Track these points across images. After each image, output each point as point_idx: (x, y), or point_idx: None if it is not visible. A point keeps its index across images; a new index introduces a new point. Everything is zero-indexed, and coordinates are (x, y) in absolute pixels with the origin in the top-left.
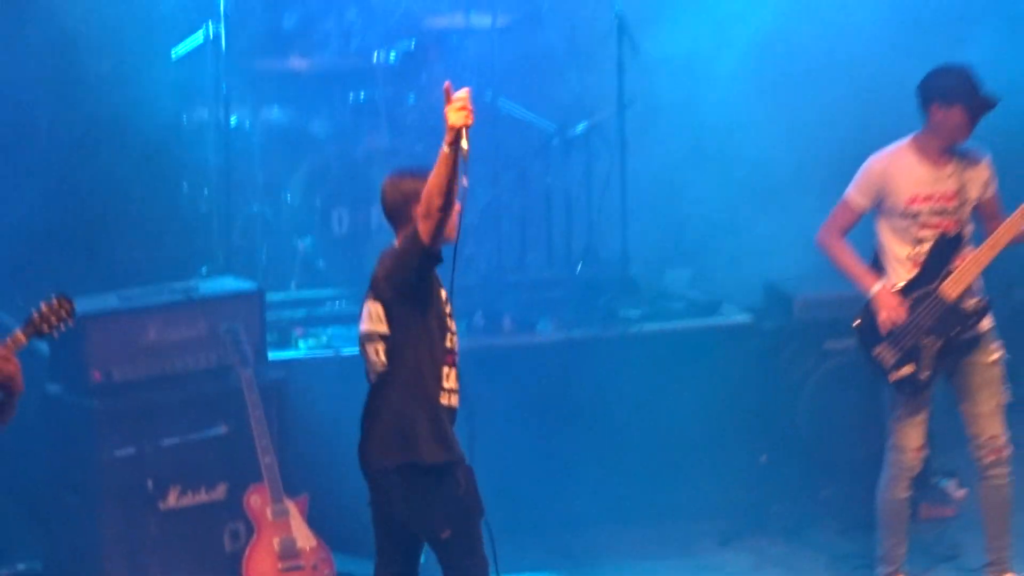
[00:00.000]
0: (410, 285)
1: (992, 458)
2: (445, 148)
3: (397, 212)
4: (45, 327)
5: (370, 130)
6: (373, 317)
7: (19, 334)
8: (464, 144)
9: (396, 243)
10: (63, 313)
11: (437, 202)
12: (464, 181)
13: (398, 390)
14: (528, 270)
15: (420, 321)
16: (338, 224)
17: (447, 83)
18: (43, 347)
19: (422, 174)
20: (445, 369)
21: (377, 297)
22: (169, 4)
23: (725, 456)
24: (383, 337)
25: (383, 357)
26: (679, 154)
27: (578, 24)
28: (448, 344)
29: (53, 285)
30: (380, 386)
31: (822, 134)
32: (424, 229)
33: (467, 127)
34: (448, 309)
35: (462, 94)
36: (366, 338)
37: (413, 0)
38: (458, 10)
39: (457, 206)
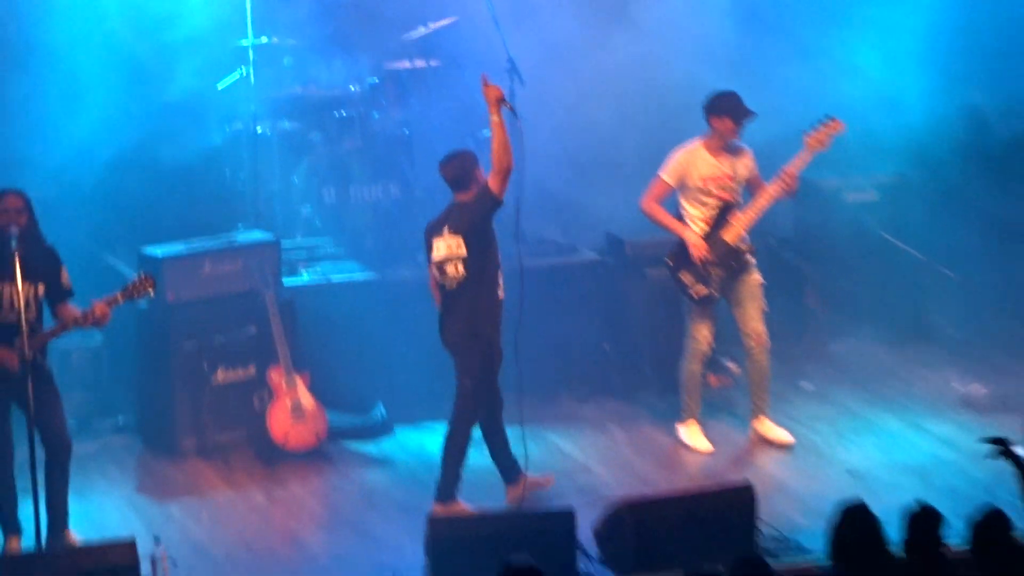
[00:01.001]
0: (487, 223)
1: (756, 345)
2: (495, 118)
3: (463, 180)
4: (135, 294)
5: (349, 136)
6: (452, 246)
7: (119, 295)
8: (507, 106)
9: (463, 198)
10: (148, 285)
11: (508, 161)
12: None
13: (474, 291)
14: None
15: (489, 246)
16: (328, 197)
17: (483, 74)
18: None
19: (468, 153)
20: (500, 276)
21: (456, 232)
22: (216, 52)
23: (581, 345)
24: (462, 259)
25: (462, 271)
26: (551, 141)
27: (485, 63)
28: (499, 260)
29: (144, 238)
30: (460, 291)
31: (647, 129)
32: (496, 185)
33: (500, 97)
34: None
35: (489, 82)
36: (446, 260)
37: (377, 50)
38: (405, 57)
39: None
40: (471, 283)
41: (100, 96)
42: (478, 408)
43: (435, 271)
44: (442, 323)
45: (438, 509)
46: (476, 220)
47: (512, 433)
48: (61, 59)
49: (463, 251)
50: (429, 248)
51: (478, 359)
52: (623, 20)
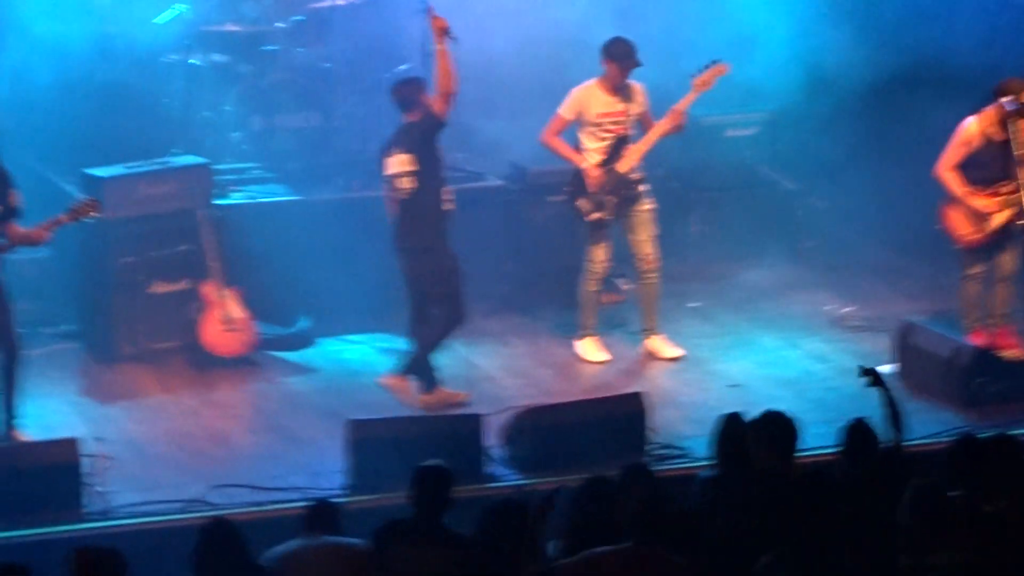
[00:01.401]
0: (432, 142)
1: (647, 267)
2: (440, 47)
3: (410, 102)
4: (80, 215)
5: (274, 69)
6: (405, 162)
7: (63, 217)
8: (452, 36)
9: (411, 118)
10: (92, 208)
11: (451, 87)
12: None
13: (422, 202)
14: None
15: (436, 163)
16: (255, 125)
17: (430, 6)
18: None
19: (415, 79)
20: (446, 189)
21: (408, 151)
22: None
23: (488, 264)
24: (412, 173)
25: (413, 184)
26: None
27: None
28: (444, 175)
29: (86, 160)
30: (411, 201)
31: (548, 65)
32: (440, 107)
33: (445, 28)
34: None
35: (435, 14)
36: (398, 175)
37: None
38: None
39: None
40: (420, 195)
41: (43, 24)
42: (440, 315)
43: (389, 186)
44: (396, 232)
45: (424, 399)
46: (423, 139)
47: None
48: None
49: (413, 167)
50: (382, 165)
51: (428, 267)
52: None
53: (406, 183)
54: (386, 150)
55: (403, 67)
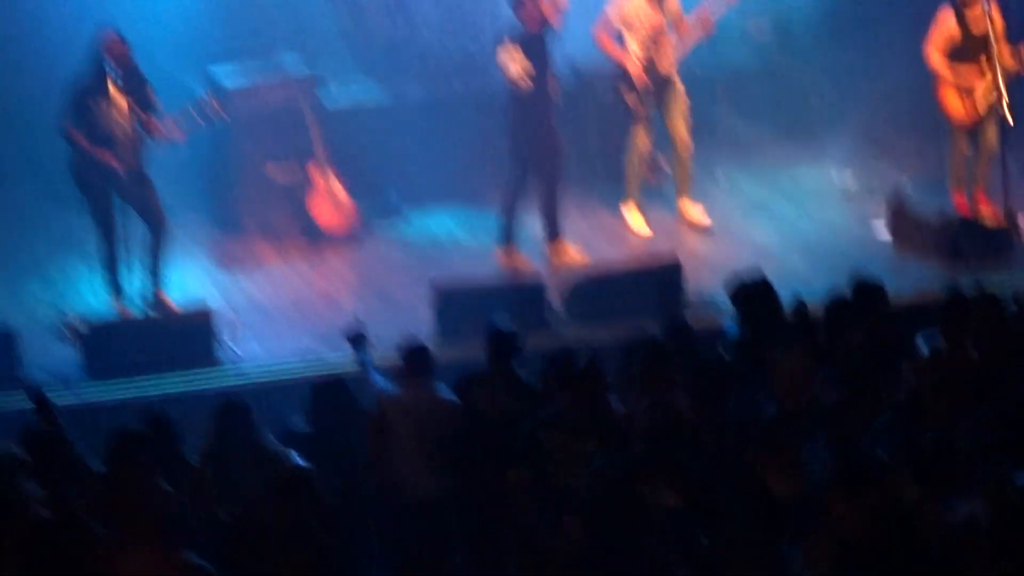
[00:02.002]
0: (543, 45)
1: (682, 147)
2: None
3: (516, 6)
4: (204, 110)
5: None
6: (520, 60)
7: (191, 111)
8: None
9: (527, 26)
10: (217, 108)
11: (563, 3)
12: None
13: (532, 93)
14: None
15: (545, 60)
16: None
17: None
18: None
19: None
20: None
21: (523, 51)
22: None
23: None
24: (525, 68)
25: (525, 78)
26: None
27: None
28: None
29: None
30: (523, 92)
31: None
32: (554, 19)
33: None
34: None
35: None
36: (508, 67)
37: None
38: None
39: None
40: (532, 87)
41: None
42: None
43: (505, 77)
44: (510, 114)
45: (500, 253)
46: (537, 42)
47: None
48: None
49: (526, 63)
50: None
51: (531, 151)
52: None
53: (516, 70)
54: (502, 45)
55: None
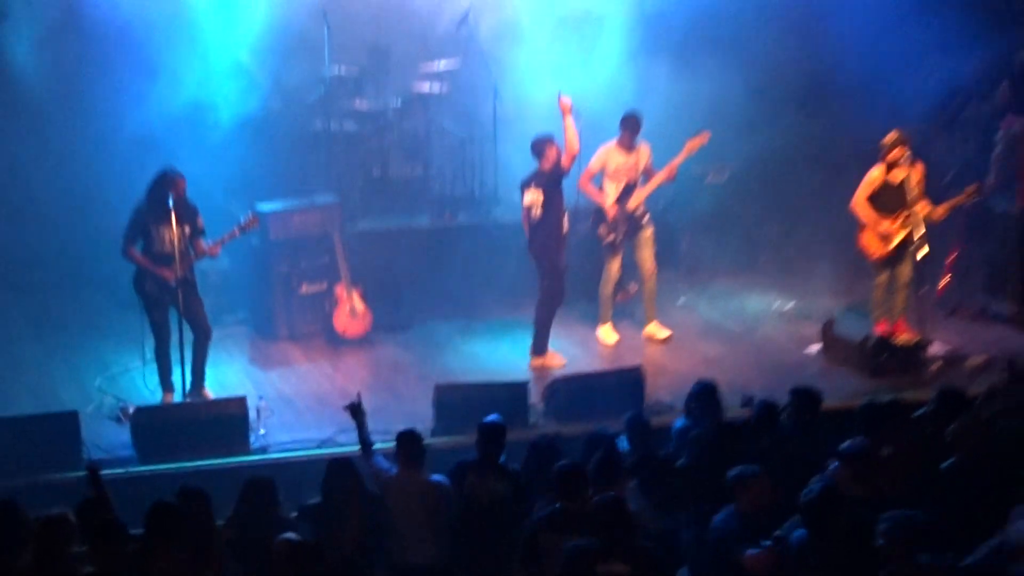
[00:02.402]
0: (556, 184)
1: (648, 275)
2: (568, 120)
3: (539, 153)
4: (245, 230)
5: (388, 134)
6: (536, 197)
7: (235, 231)
8: (574, 113)
9: (543, 167)
10: (254, 223)
11: (574, 150)
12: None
13: (546, 226)
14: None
15: (558, 198)
16: (375, 173)
17: (559, 92)
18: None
19: (544, 136)
20: (565, 218)
21: (538, 187)
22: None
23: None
24: (541, 204)
25: (540, 212)
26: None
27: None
28: (564, 206)
29: (256, 193)
30: (540, 223)
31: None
32: (566, 162)
33: (569, 107)
34: None
35: (562, 96)
36: (531, 205)
37: (403, 77)
38: (425, 81)
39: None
40: (545, 219)
41: (224, 99)
42: (554, 296)
43: (525, 211)
44: (530, 242)
45: (535, 361)
46: (550, 182)
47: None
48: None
49: (541, 199)
50: (521, 195)
51: (548, 266)
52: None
53: (536, 211)
54: (524, 184)
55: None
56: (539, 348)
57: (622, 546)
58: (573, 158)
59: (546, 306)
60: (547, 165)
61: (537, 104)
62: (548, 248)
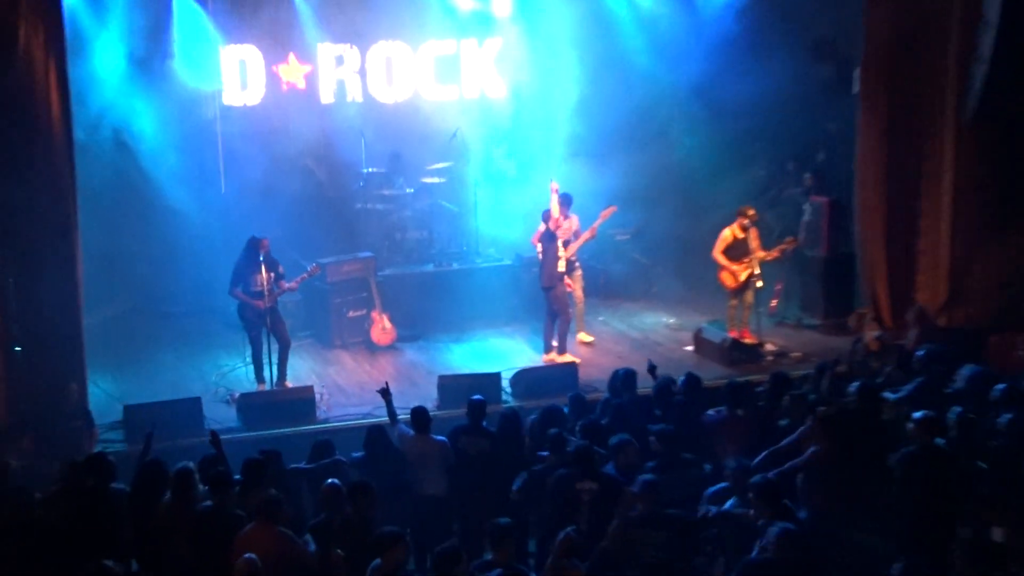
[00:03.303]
0: (553, 238)
1: (579, 303)
2: (554, 198)
3: (544, 218)
4: (312, 274)
5: (405, 209)
6: (539, 246)
7: (304, 276)
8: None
9: (546, 225)
10: (316, 270)
11: (557, 215)
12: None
13: (547, 263)
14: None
15: (554, 246)
16: (396, 236)
17: (551, 181)
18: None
19: (548, 212)
20: (559, 262)
21: (540, 240)
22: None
23: (508, 301)
24: (542, 251)
25: (542, 256)
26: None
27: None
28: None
29: (314, 254)
30: (543, 263)
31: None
32: (553, 225)
33: (556, 189)
34: None
35: (554, 183)
36: (539, 250)
37: (415, 170)
38: (431, 176)
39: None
40: (546, 261)
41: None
42: (554, 314)
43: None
44: (540, 275)
45: (546, 358)
46: (548, 235)
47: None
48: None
49: (541, 247)
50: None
51: (552, 293)
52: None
53: (540, 256)
54: (538, 239)
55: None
56: (547, 348)
57: (591, 473)
58: (559, 224)
59: (552, 320)
60: (549, 224)
61: (505, 191)
62: (551, 279)
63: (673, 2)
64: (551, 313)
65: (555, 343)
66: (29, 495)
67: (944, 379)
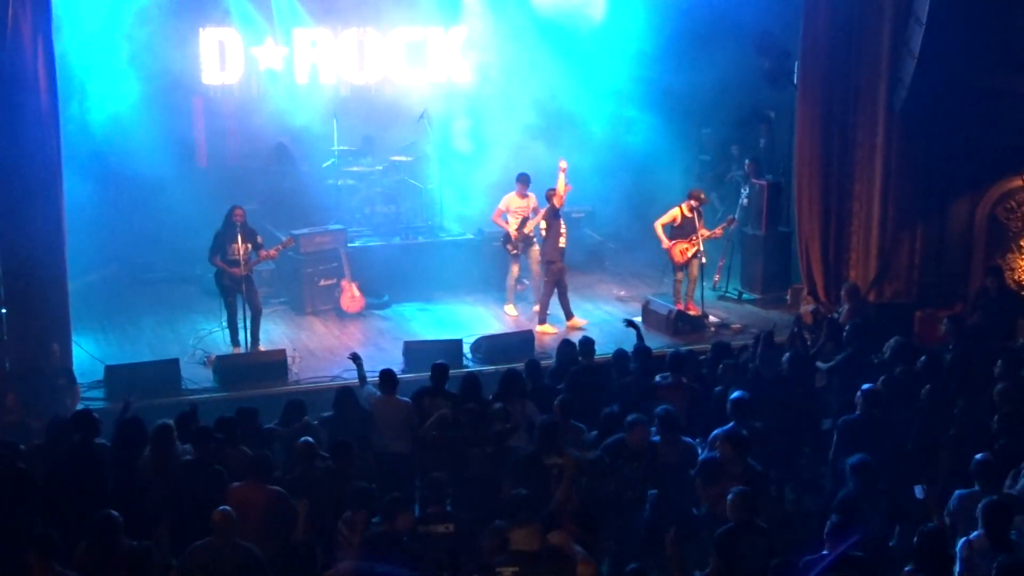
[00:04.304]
0: (556, 215)
1: (535, 275)
2: (561, 176)
3: (547, 196)
4: (286, 246)
5: (376, 185)
6: (543, 222)
7: (279, 246)
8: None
9: (551, 204)
10: (291, 242)
11: (561, 202)
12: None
13: (549, 239)
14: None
15: (556, 221)
16: (365, 209)
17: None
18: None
19: (552, 187)
20: (562, 237)
21: (545, 217)
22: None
23: (473, 273)
24: (546, 228)
25: (546, 231)
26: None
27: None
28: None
29: (290, 221)
30: (545, 239)
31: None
32: (558, 202)
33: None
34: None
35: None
36: (542, 228)
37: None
38: (400, 154)
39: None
40: (548, 237)
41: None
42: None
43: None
44: (542, 250)
45: (570, 324)
46: (552, 212)
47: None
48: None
49: (545, 223)
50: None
51: (551, 267)
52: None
53: (543, 231)
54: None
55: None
56: (568, 316)
57: (556, 448)
58: (562, 198)
59: (547, 292)
60: (550, 200)
61: (468, 170)
62: (546, 255)
63: None
64: (560, 285)
65: (566, 311)
66: (14, 448)
67: (872, 351)
